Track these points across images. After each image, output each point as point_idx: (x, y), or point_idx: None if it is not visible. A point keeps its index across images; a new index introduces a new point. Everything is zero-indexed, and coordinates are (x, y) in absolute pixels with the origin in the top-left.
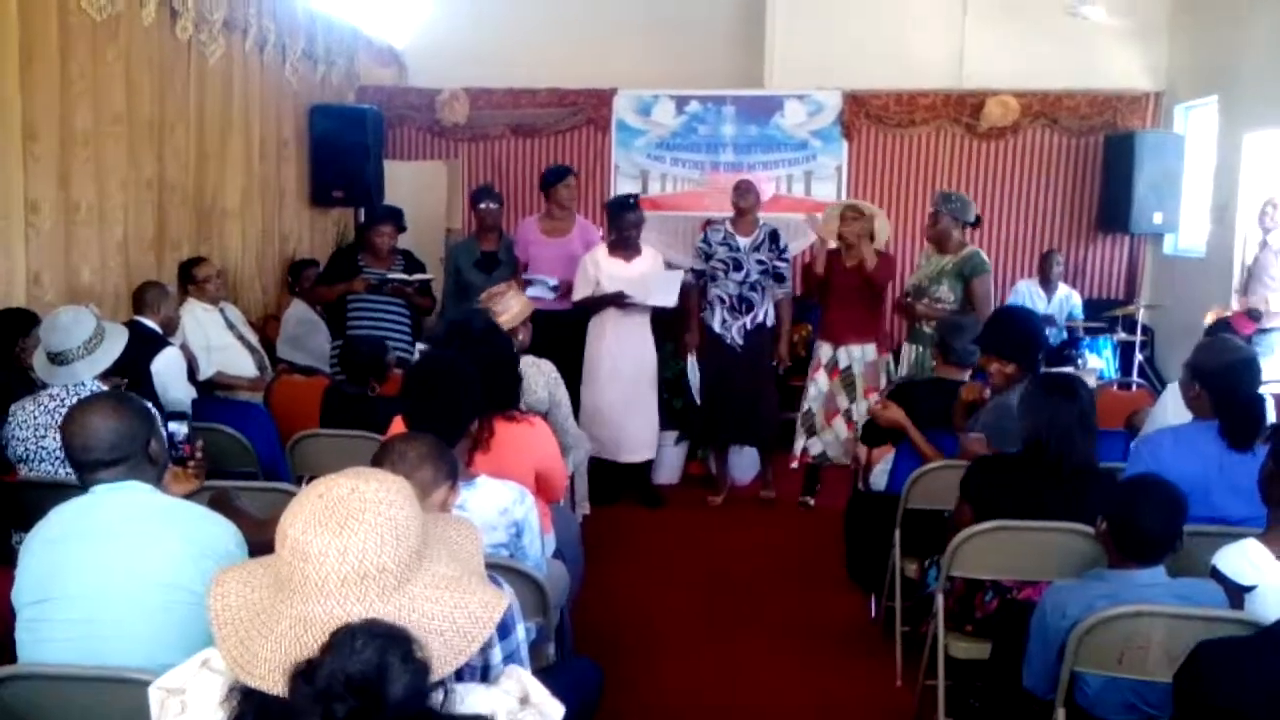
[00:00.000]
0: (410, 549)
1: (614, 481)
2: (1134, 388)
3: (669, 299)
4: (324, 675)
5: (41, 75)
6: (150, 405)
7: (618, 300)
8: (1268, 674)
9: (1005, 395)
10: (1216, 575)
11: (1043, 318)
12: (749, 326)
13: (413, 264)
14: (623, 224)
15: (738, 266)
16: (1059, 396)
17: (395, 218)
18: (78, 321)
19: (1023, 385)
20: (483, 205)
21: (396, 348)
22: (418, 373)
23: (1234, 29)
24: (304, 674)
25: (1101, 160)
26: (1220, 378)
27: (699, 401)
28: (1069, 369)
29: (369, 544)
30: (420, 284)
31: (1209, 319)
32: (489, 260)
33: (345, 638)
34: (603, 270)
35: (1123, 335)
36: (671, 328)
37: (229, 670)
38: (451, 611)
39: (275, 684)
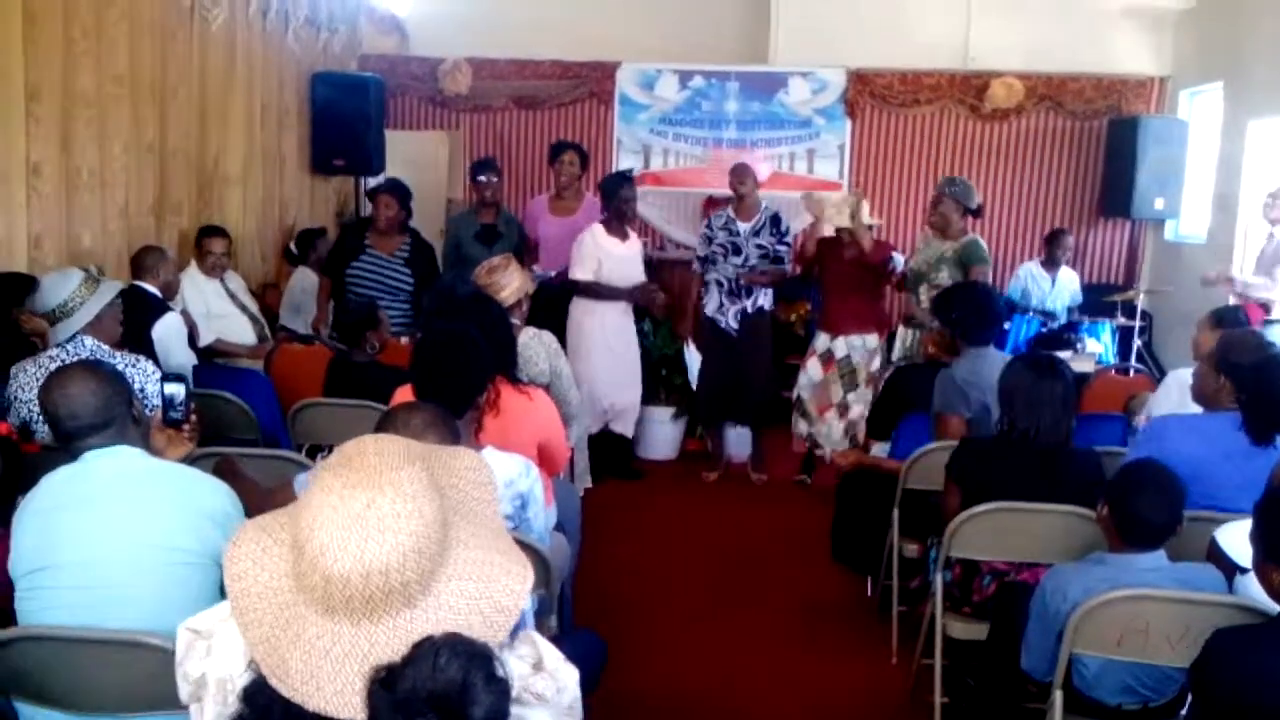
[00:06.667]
0: (433, 554)
1: (596, 458)
2: (1132, 373)
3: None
4: (404, 688)
5: (44, 36)
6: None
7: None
8: None
9: (949, 369)
10: (1214, 548)
11: (1044, 313)
12: (748, 311)
13: (420, 247)
14: (620, 199)
15: (736, 251)
16: (1039, 376)
17: (394, 189)
18: (60, 280)
19: (965, 358)
20: (482, 178)
21: (393, 319)
22: (429, 342)
23: (1240, 15)
24: (383, 681)
25: (1105, 144)
26: (1253, 373)
27: (695, 386)
28: (1066, 353)
29: (391, 564)
30: None
31: (1232, 300)
32: (489, 233)
33: (428, 651)
34: (602, 249)
35: (1122, 320)
36: (669, 310)
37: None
38: (478, 603)
39: (308, 698)
